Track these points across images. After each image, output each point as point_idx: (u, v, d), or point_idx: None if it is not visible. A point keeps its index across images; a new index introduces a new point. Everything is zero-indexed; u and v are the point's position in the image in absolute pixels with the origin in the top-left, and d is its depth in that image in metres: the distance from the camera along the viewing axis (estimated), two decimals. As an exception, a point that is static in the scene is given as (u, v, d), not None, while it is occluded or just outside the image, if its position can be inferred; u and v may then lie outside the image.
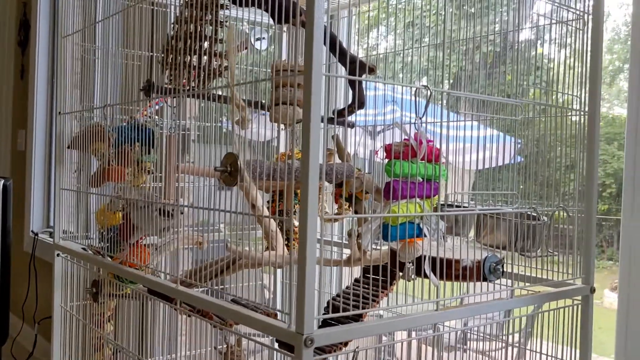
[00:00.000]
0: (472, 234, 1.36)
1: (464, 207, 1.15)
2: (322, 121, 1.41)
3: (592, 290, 1.29)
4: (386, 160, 1.01)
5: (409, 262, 1.01)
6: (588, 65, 1.30)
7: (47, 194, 3.59)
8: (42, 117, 3.49)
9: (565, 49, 1.31)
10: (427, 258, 1.02)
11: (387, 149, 1.00)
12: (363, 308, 1.40)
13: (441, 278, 1.05)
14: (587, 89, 1.31)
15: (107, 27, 1.58)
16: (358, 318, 1.38)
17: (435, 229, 1.03)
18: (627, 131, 1.49)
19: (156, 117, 1.66)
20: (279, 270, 1.95)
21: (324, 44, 1.32)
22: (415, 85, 1.01)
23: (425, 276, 1.03)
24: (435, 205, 1.05)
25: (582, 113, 1.30)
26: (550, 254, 1.24)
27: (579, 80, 1.31)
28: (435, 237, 1.03)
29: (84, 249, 1.58)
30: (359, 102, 1.36)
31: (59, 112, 1.67)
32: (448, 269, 1.07)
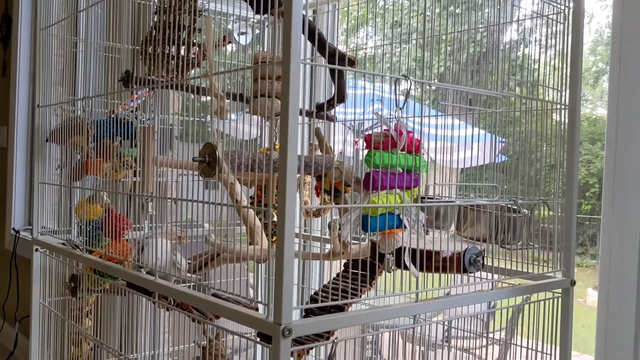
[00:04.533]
0: (453, 227, 1.36)
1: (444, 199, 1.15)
2: (300, 114, 1.40)
3: (572, 283, 1.29)
4: (366, 150, 1.01)
5: (389, 254, 1.01)
6: (569, 60, 1.30)
7: (29, 191, 3.55)
8: (24, 113, 3.45)
9: (546, 45, 1.32)
10: (407, 249, 1.01)
11: (367, 139, 0.99)
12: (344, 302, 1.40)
13: (421, 269, 1.05)
14: (568, 83, 1.31)
15: (88, 18, 1.56)
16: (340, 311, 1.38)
17: (415, 220, 1.03)
18: (607, 131, 1.49)
19: (137, 111, 1.64)
20: (263, 265, 1.94)
21: (302, 33, 1.31)
22: (395, 76, 1.01)
23: (405, 267, 1.02)
24: (415, 197, 1.05)
25: (563, 107, 1.31)
26: (530, 246, 1.24)
27: (560, 75, 1.31)
28: (415, 228, 1.03)
29: (63, 243, 1.56)
30: (340, 95, 1.35)
31: (38, 105, 1.65)
32: (428, 261, 1.07)
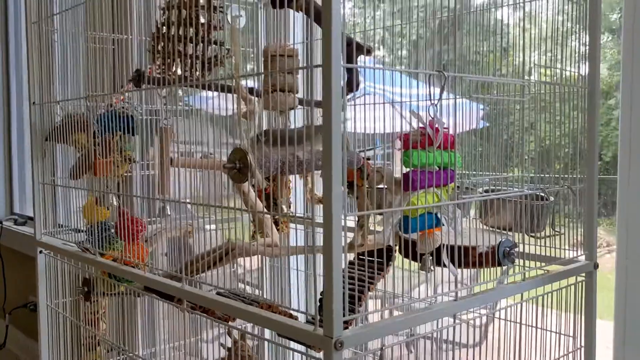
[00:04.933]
0: (472, 212, 1.35)
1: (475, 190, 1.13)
2: (315, 105, 1.36)
3: (596, 266, 1.30)
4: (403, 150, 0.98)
5: (429, 254, 0.99)
6: (587, 41, 1.29)
7: (9, 181, 3.47)
8: (-1, 104, 3.37)
9: (563, 23, 1.29)
10: (446, 248, 1.00)
11: (405, 138, 0.97)
12: (360, 291, 1.39)
13: (458, 266, 1.03)
14: (587, 63, 1.30)
15: (77, 11, 1.49)
16: (357, 301, 1.37)
17: (453, 217, 1.01)
18: (621, 104, 1.49)
19: (133, 103, 1.59)
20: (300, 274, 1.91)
21: (316, 21, 1.26)
22: (429, 71, 0.98)
23: (444, 265, 1.01)
24: (451, 193, 1.03)
25: (582, 88, 1.29)
26: (557, 233, 1.23)
27: (577, 54, 1.30)
28: (453, 225, 1.01)
29: (78, 244, 1.51)
30: (352, 84, 1.31)
31: (33, 103, 1.58)
32: (465, 257, 1.06)
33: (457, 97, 1.00)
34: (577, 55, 1.30)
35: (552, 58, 1.28)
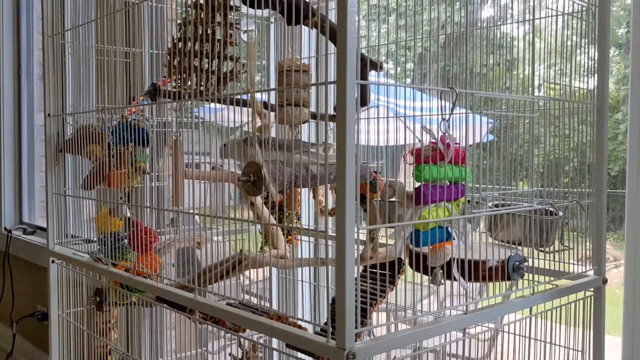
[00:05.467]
0: (482, 226, 1.36)
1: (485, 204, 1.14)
2: (322, 118, 1.37)
3: (605, 281, 1.31)
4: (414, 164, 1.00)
5: (439, 267, 1.01)
6: (596, 59, 1.30)
7: (18, 190, 3.50)
8: (10, 113, 3.41)
9: (571, 41, 1.31)
10: (456, 261, 1.01)
11: (417, 153, 0.98)
12: (370, 304, 1.40)
13: (469, 280, 1.04)
14: (595, 78, 1.31)
15: (101, 26, 1.52)
16: (365, 313, 1.38)
17: (463, 231, 1.02)
18: (630, 116, 1.50)
19: (146, 115, 1.61)
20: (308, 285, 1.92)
21: (325, 35, 1.29)
22: (440, 88, 1.00)
23: (454, 279, 1.02)
24: (461, 207, 1.04)
25: (591, 106, 1.31)
26: (566, 247, 1.24)
27: (583, 68, 1.31)
28: (463, 239, 1.02)
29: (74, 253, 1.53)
30: (363, 99, 1.33)
31: (49, 115, 1.61)
32: (475, 271, 1.07)
33: (467, 111, 1.02)
34: (583, 69, 1.31)
35: (560, 72, 1.29)
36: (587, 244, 1.31)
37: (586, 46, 1.31)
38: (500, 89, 1.28)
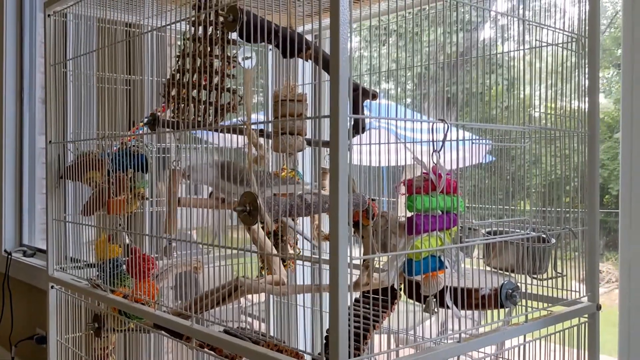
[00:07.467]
0: (476, 253, 1.38)
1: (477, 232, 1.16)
2: (320, 145, 1.40)
3: (599, 308, 1.32)
4: (405, 194, 1.01)
5: (432, 296, 1.02)
6: (587, 88, 1.32)
7: (19, 213, 3.52)
8: (11, 135, 3.44)
9: (562, 72, 1.33)
10: (449, 290, 1.02)
11: (409, 184, 1.00)
12: (365, 329, 1.41)
13: (462, 308, 1.06)
14: (586, 108, 1.33)
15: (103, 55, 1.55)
16: (363, 339, 1.39)
17: (456, 260, 1.04)
18: (622, 135, 1.51)
19: (145, 142, 1.63)
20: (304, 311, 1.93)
21: (318, 64, 1.31)
22: (432, 120, 1.02)
23: (447, 307, 1.04)
24: (454, 236, 1.06)
25: (581, 134, 1.33)
26: (559, 274, 1.26)
27: (573, 99, 1.33)
28: (456, 268, 1.04)
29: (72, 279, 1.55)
30: (357, 127, 1.35)
31: (50, 142, 1.63)
32: (468, 299, 1.08)
33: (459, 139, 1.04)
34: (581, 90, 1.33)
35: (557, 92, 1.31)
36: (582, 267, 1.32)
37: (577, 77, 1.33)
38: (497, 107, 1.30)
